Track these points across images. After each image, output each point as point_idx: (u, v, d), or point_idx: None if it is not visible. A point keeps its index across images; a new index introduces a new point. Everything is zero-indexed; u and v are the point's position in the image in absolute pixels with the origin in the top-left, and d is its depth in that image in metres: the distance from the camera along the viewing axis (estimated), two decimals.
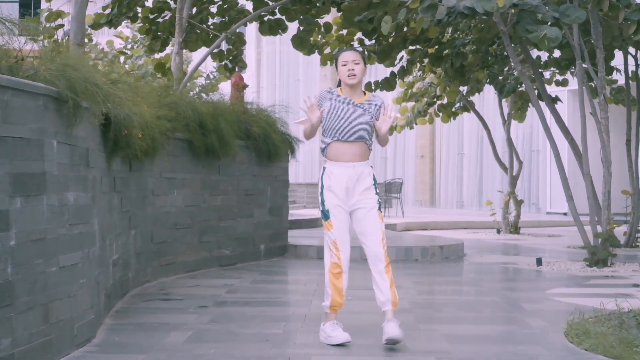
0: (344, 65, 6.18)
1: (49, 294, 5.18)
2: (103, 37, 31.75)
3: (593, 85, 15.74)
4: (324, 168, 6.26)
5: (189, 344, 5.94)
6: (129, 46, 26.54)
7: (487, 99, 26.03)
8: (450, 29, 15.30)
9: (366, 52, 15.00)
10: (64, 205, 5.47)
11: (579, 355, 5.63)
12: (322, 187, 6.21)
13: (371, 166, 6.33)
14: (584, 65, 11.79)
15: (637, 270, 10.89)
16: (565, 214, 24.81)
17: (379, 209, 6.22)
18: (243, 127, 11.30)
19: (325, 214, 6.17)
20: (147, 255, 9.07)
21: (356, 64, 6.16)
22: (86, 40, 26.94)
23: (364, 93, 6.30)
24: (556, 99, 16.77)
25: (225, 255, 10.95)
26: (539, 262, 11.53)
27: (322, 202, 6.19)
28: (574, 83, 19.17)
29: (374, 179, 6.28)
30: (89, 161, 6.07)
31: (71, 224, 5.58)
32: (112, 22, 15.17)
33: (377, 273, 6.10)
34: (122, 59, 24.39)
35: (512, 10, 10.50)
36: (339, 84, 6.30)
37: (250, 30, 35.27)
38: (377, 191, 6.27)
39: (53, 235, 5.25)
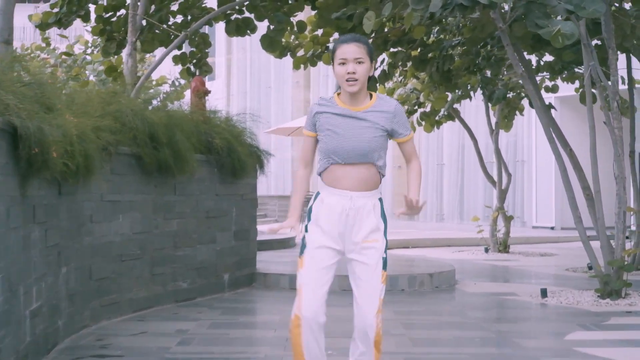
0: (342, 63, 4.62)
1: None
2: (63, 43, 30.15)
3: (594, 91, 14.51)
4: (317, 194, 4.78)
5: None
6: (89, 50, 25.07)
7: (469, 106, 24.62)
8: (436, 29, 13.85)
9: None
10: None
11: None
12: (309, 216, 4.72)
13: (380, 199, 4.77)
14: (597, 68, 10.33)
15: None
16: (552, 228, 23.50)
17: (384, 267, 4.67)
18: (203, 139, 9.77)
19: (302, 248, 4.71)
20: (83, 295, 7.50)
21: (359, 62, 4.59)
22: (44, 44, 25.55)
23: (370, 96, 4.74)
24: (550, 106, 15.40)
25: (183, 289, 9.39)
26: (543, 293, 10.06)
27: (304, 235, 4.71)
28: (563, 89, 17.85)
29: (384, 218, 4.74)
30: None
31: None
32: (62, 22, 13.64)
33: (362, 353, 4.64)
34: (80, 62, 22.84)
35: (510, 5, 9.07)
36: (338, 88, 4.76)
37: (220, 36, 33.81)
38: (387, 238, 4.72)
39: None
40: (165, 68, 25.31)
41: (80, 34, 25.81)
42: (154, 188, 8.85)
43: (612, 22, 9.92)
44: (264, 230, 4.73)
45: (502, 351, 6.82)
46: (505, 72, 15.72)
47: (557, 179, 22.79)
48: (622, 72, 13.78)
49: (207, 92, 10.75)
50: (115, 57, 13.86)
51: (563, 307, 9.31)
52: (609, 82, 10.07)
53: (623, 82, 13.88)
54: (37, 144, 5.19)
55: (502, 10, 10.37)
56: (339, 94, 4.71)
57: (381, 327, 4.63)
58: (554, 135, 10.88)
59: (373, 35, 12.87)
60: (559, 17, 8.53)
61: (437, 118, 17.14)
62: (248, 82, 35.56)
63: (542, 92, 16.69)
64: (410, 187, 4.81)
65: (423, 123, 17.31)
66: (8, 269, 5.08)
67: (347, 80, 4.58)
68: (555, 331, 7.86)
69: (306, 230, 4.71)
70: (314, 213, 4.69)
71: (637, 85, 14.64)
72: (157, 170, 8.75)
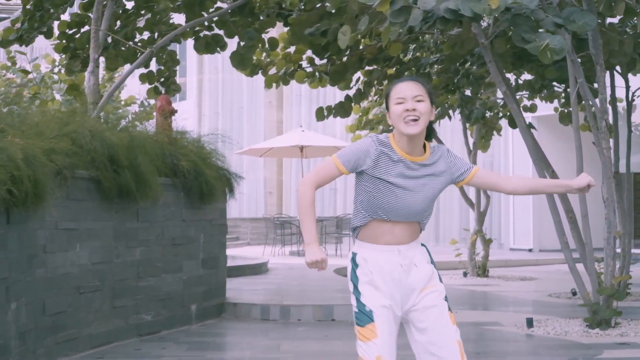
0: (400, 103, 4.08)
1: None
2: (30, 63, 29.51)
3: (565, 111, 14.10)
4: (354, 254, 4.21)
5: None
6: (56, 70, 24.46)
7: (446, 126, 24.20)
8: (413, 47, 13.38)
9: (317, 74, 13.03)
10: None
11: None
12: (356, 278, 4.15)
13: (423, 244, 4.24)
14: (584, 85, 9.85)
15: None
16: (530, 250, 23.08)
17: (449, 308, 4.17)
18: (169, 162, 9.22)
19: (365, 316, 4.08)
20: (37, 332, 6.90)
21: (418, 101, 4.07)
22: (9, 63, 24.92)
23: (425, 145, 4.19)
24: (530, 126, 14.97)
25: (146, 322, 8.79)
26: (529, 323, 9.52)
27: (358, 298, 4.13)
28: (542, 109, 17.45)
29: (432, 260, 4.23)
30: None
31: None
32: (23, 39, 13.13)
33: None
34: (39, 79, 22.19)
35: (495, 18, 8.59)
36: (391, 130, 4.20)
37: (191, 57, 33.32)
38: (441, 279, 4.22)
39: None
40: (134, 88, 24.73)
41: (47, 53, 25.17)
42: (115, 214, 8.26)
43: (599, 37, 9.45)
44: (307, 262, 4.05)
45: None
46: (483, 91, 15.28)
47: (534, 201, 22.42)
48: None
49: (173, 112, 10.17)
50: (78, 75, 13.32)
51: (551, 339, 8.79)
52: (597, 100, 9.58)
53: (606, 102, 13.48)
54: None
55: (484, 26, 9.92)
56: (393, 137, 4.14)
57: None
58: (514, 155, 10.42)
59: (348, 52, 12.41)
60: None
61: None
62: (220, 103, 35.06)
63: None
64: (548, 182, 4.49)
65: None
66: None
67: (406, 121, 4.04)
68: None
69: (359, 294, 4.12)
70: (361, 273, 4.13)
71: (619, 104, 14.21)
72: (118, 195, 8.17)
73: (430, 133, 4.16)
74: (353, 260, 4.16)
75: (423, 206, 4.13)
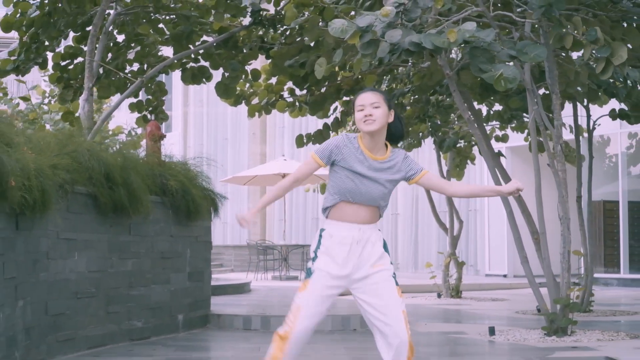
0: (361, 110, 5.03)
1: None
2: (22, 93, 30.27)
3: (540, 139, 14.85)
4: (322, 230, 5.11)
5: None
6: (46, 100, 25.20)
7: (423, 155, 25.03)
8: (387, 77, 14.21)
9: (297, 103, 13.84)
10: None
11: None
12: (319, 246, 5.06)
13: (379, 229, 5.14)
14: (540, 113, 10.68)
15: (602, 340, 9.71)
16: (505, 276, 23.83)
17: (397, 283, 5.05)
18: (158, 181, 9.97)
19: (308, 272, 5.04)
20: (40, 329, 7.63)
21: (375, 107, 5.00)
22: (1, 94, 25.64)
23: (387, 147, 5.09)
24: (499, 154, 15.77)
25: (137, 328, 9.53)
26: (491, 331, 10.29)
27: (313, 259, 5.05)
28: (513, 139, 18.28)
29: (385, 246, 5.11)
30: None
31: None
32: (19, 69, 13.83)
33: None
34: (28, 110, 22.93)
35: (458, 51, 9.42)
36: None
37: (177, 88, 34.10)
38: (392, 263, 5.10)
39: None
40: (122, 118, 25.50)
41: (38, 84, 25.91)
42: (109, 228, 9.02)
43: (556, 68, 10.29)
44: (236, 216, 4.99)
45: None
46: (456, 121, 16.10)
47: (509, 228, 23.19)
48: (571, 119, 14.24)
49: (162, 137, 10.96)
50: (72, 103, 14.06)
51: (510, 344, 9.55)
52: (553, 127, 10.40)
53: (571, 131, 14.31)
54: None
55: (450, 57, 10.73)
56: (361, 137, 5.02)
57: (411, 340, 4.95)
58: (501, 180, 11.21)
59: (327, 83, 13.21)
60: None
61: None
62: (205, 135, 35.78)
63: (493, 141, 17.12)
64: (490, 189, 5.28)
65: None
66: None
67: (364, 121, 4.95)
68: None
69: (315, 257, 5.01)
70: (324, 245, 5.00)
71: (584, 134, 15.04)
72: (113, 210, 8.92)
73: (394, 136, 5.09)
74: (320, 234, 5.04)
75: (380, 194, 5.01)
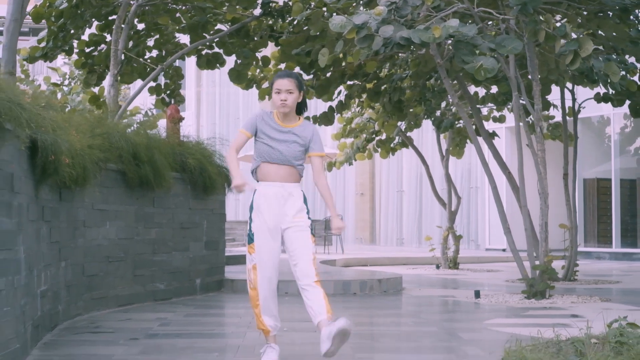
0: (278, 93, 6.12)
1: None
2: (41, 75, 31.46)
3: (530, 121, 15.92)
4: (255, 190, 6.17)
5: None
6: (66, 82, 26.29)
7: (426, 134, 26.15)
8: (388, 64, 15.31)
9: (305, 87, 14.93)
10: None
11: None
12: (252, 208, 6.14)
13: (302, 190, 6.26)
14: (521, 100, 11.81)
15: (576, 302, 10.86)
16: (504, 250, 24.91)
17: (312, 232, 6.14)
18: (178, 159, 11.13)
19: (250, 237, 6.12)
20: (78, 288, 8.84)
21: (290, 93, 6.09)
22: (23, 75, 26.80)
23: (299, 119, 6.24)
24: (493, 134, 16.89)
25: (160, 290, 10.73)
26: (477, 294, 11.47)
27: (250, 224, 6.14)
28: (511, 119, 19.35)
29: (305, 201, 6.21)
30: (13, 186, 5.87)
31: None
32: (48, 56, 14.97)
33: (307, 285, 6.00)
34: (59, 95, 24.06)
35: (449, 42, 10.51)
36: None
37: (190, 69, 35.16)
38: (309, 216, 6.21)
39: None
40: (138, 99, 26.61)
41: (58, 66, 27.05)
42: (136, 200, 10.20)
43: (536, 58, 11.39)
44: (232, 186, 6.14)
45: (429, 329, 8.23)
46: (450, 102, 17.19)
47: (507, 204, 24.31)
48: (569, 103, 15.35)
49: (181, 119, 12.13)
50: (97, 88, 15.22)
51: (491, 305, 10.71)
52: (535, 110, 11.52)
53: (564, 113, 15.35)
54: (54, 152, 6.56)
55: (442, 47, 11.82)
56: (276, 113, 6.19)
57: (319, 274, 6.08)
58: (487, 159, 12.33)
59: (331, 68, 14.32)
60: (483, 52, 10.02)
61: (391, 145, 18.58)
62: (217, 114, 36.90)
63: (490, 122, 18.26)
64: (329, 207, 6.34)
65: (379, 150, 18.75)
66: (28, 252, 6.41)
67: (280, 105, 6.09)
68: (478, 318, 9.26)
69: (251, 221, 6.12)
70: (255, 204, 6.12)
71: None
72: (139, 185, 10.09)
73: (301, 109, 6.23)
74: (254, 193, 6.15)
75: (291, 154, 6.12)
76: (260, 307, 6.09)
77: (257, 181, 6.21)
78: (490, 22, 11.45)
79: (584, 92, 16.18)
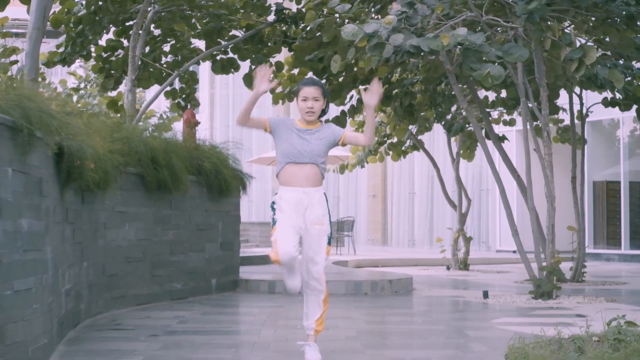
0: (304, 100, 6.29)
1: (4, 316, 5.30)
2: (56, 77, 31.81)
3: (539, 124, 16.15)
4: (276, 194, 6.36)
5: None
6: (82, 85, 26.67)
7: (438, 138, 26.43)
8: (399, 69, 15.61)
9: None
10: (18, 231, 5.60)
11: None
12: (274, 208, 6.30)
13: (324, 192, 6.43)
14: (528, 104, 12.10)
15: (582, 302, 11.14)
16: (514, 251, 25.09)
17: (329, 242, 6.35)
18: (195, 163, 11.46)
19: (274, 220, 6.26)
20: (99, 287, 9.17)
21: (316, 100, 6.27)
22: (40, 79, 27.13)
23: (319, 122, 6.43)
24: (503, 138, 17.14)
25: (177, 289, 11.06)
26: (485, 294, 11.76)
27: (274, 213, 6.28)
28: (521, 123, 19.58)
29: (327, 204, 6.38)
30: (42, 190, 6.21)
31: (25, 249, 5.71)
32: (66, 61, 15.27)
33: (315, 290, 6.35)
34: (75, 97, 24.46)
35: (458, 50, 10.80)
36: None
37: (204, 72, 35.50)
38: (330, 221, 6.39)
39: (7, 259, 5.38)
40: (153, 103, 26.96)
41: (74, 70, 27.43)
42: (154, 203, 10.53)
43: (543, 64, 11.68)
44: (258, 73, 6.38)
45: (437, 327, 8.54)
46: (460, 106, 17.47)
47: (517, 206, 24.57)
48: (577, 107, 15.61)
49: (197, 123, 12.48)
50: (114, 92, 15.57)
51: (499, 305, 11.01)
52: (542, 115, 11.81)
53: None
54: (79, 158, 6.91)
55: (451, 54, 12.12)
56: (299, 120, 6.40)
57: (327, 286, 6.38)
58: (493, 162, 12.62)
59: (343, 73, 14.62)
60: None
61: (403, 148, 18.88)
62: (231, 116, 37.20)
63: (501, 125, 18.53)
64: (369, 119, 6.43)
65: (391, 153, 19.06)
66: (54, 252, 6.75)
67: (307, 113, 6.30)
68: (485, 317, 9.57)
69: (273, 212, 6.30)
70: (277, 205, 6.30)
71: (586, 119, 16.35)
72: (157, 188, 10.43)
73: (323, 113, 6.41)
74: (275, 197, 6.33)
75: (316, 151, 6.27)
76: (285, 271, 6.31)
77: (280, 185, 6.38)
78: (499, 29, 11.73)
79: (592, 96, 16.43)
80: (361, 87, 16.13)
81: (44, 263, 6.24)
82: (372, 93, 6.34)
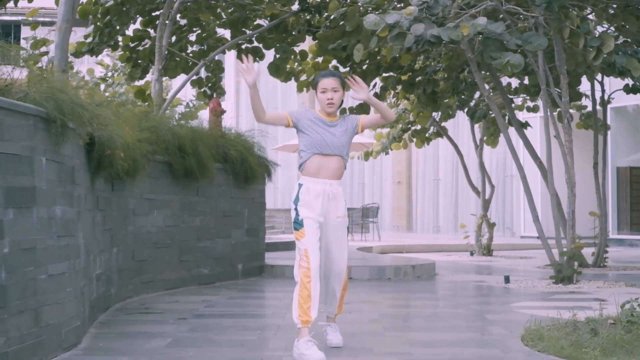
0: (324, 92, 6.34)
1: (38, 299, 5.57)
2: (84, 66, 32.21)
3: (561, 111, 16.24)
4: (300, 185, 6.39)
5: (168, 348, 6.35)
6: (109, 74, 26.99)
7: (462, 124, 26.56)
8: (422, 57, 15.78)
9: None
10: (52, 218, 5.87)
11: (533, 356, 6.05)
12: (297, 200, 6.36)
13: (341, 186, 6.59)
14: (549, 91, 12.24)
15: (602, 287, 11.31)
16: (538, 237, 25.23)
17: (348, 232, 6.57)
18: (221, 151, 11.70)
19: (300, 223, 6.27)
20: (128, 272, 9.45)
21: (335, 91, 6.32)
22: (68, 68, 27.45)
23: (338, 114, 6.56)
24: (525, 124, 17.28)
25: (204, 274, 11.33)
26: (507, 279, 11.95)
27: (297, 213, 6.33)
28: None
29: (344, 201, 6.55)
30: (74, 178, 6.47)
31: (59, 235, 5.98)
32: (94, 51, 15.54)
33: (337, 286, 6.56)
34: (102, 86, 24.77)
35: (479, 38, 10.98)
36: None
37: (229, 60, 35.73)
38: (347, 213, 6.58)
39: (42, 245, 5.65)
40: (180, 92, 27.27)
41: (101, 59, 27.74)
42: (181, 190, 10.80)
43: (563, 52, 11.83)
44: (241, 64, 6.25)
45: (458, 311, 8.76)
46: (492, 93, 17.61)
47: (542, 192, 24.70)
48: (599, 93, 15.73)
49: (223, 112, 12.73)
50: (142, 81, 15.84)
51: (520, 289, 11.20)
52: (562, 102, 11.97)
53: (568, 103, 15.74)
54: (110, 147, 7.17)
55: (472, 42, 12.28)
56: (319, 111, 6.52)
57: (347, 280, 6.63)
58: (514, 149, 12.77)
59: (367, 61, 14.82)
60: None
61: (427, 135, 19.06)
62: None
63: (524, 111, 18.65)
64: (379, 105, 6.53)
65: (414, 140, 19.24)
66: (86, 238, 7.02)
67: (327, 104, 6.38)
68: (505, 301, 9.77)
69: (297, 210, 6.36)
70: (301, 197, 6.37)
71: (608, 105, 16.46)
72: (184, 176, 10.69)
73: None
74: (299, 188, 6.40)
75: (341, 143, 6.36)
76: (311, 290, 6.20)
77: (302, 174, 6.47)
78: (521, 17, 11.88)
79: (615, 82, 16.54)
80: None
81: (76, 248, 6.51)
82: (358, 89, 6.38)
